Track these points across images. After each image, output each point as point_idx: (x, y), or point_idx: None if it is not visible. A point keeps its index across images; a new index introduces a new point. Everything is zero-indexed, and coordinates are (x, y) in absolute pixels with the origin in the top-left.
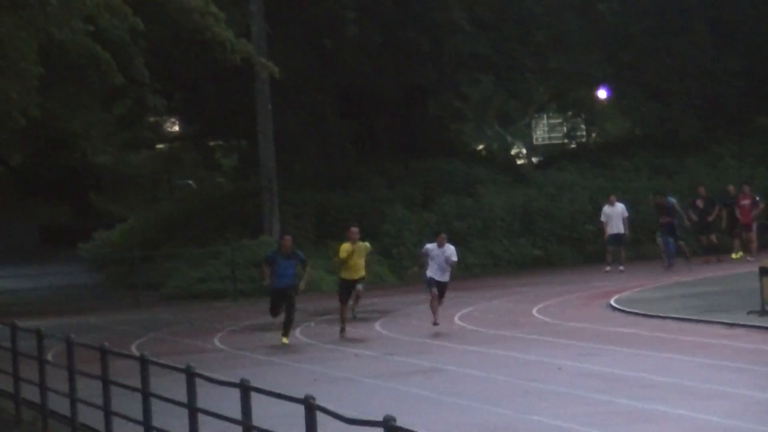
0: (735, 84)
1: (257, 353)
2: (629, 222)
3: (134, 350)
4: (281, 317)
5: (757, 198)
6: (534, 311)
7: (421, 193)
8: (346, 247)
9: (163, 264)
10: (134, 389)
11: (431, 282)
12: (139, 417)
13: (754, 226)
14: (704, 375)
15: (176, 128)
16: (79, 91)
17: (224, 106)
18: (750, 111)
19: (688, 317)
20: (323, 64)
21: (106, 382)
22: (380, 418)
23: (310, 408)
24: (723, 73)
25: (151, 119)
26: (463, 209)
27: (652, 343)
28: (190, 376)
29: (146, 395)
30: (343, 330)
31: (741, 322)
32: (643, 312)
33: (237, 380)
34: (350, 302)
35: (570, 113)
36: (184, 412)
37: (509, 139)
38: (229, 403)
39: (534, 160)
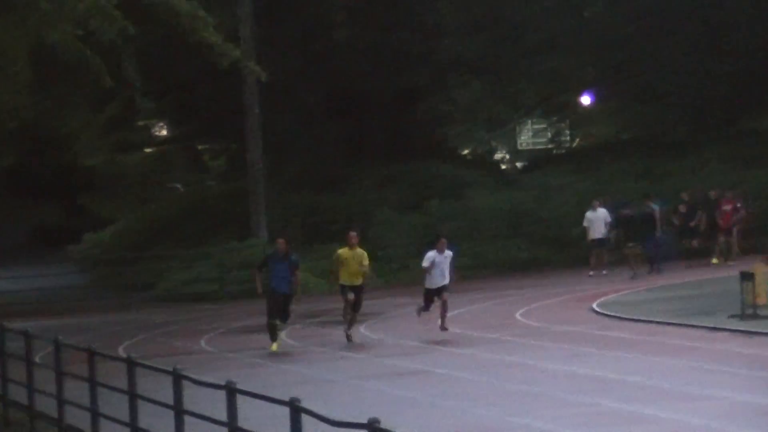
0: (721, 87)
1: (245, 355)
2: (612, 227)
3: (122, 352)
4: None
5: (739, 204)
6: (519, 314)
7: (409, 196)
8: (343, 251)
9: (152, 266)
10: (121, 391)
11: (431, 293)
12: (126, 418)
13: (735, 231)
14: (687, 378)
15: (165, 131)
16: (69, 94)
17: (213, 109)
18: (736, 114)
19: (670, 321)
20: (313, 66)
21: (94, 384)
22: (366, 420)
23: (296, 410)
24: (709, 77)
25: (141, 122)
26: (450, 212)
27: (636, 346)
28: (177, 378)
29: (133, 397)
30: (349, 338)
31: (723, 326)
32: (626, 315)
33: (224, 382)
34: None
35: (555, 118)
36: (171, 413)
37: (494, 143)
38: (216, 404)
39: (518, 164)
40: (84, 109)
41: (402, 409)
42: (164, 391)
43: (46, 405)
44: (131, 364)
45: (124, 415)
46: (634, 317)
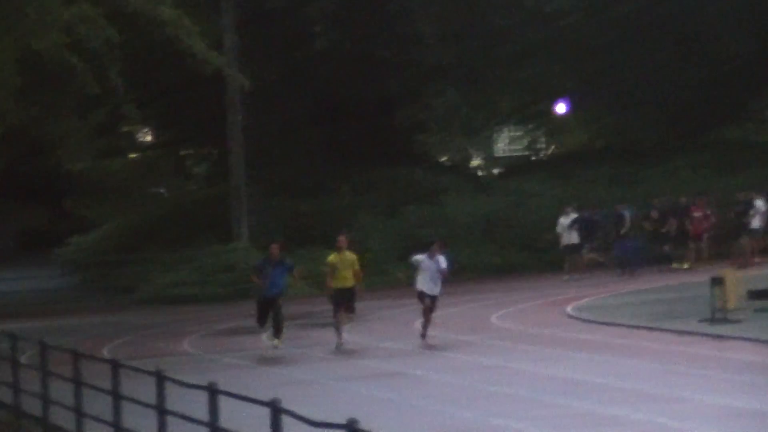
0: (692, 97)
1: (227, 356)
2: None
3: (106, 353)
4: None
5: (709, 212)
6: (495, 317)
7: (387, 202)
8: (332, 257)
9: (136, 269)
10: (106, 391)
11: (422, 295)
12: (111, 418)
13: (705, 237)
14: (659, 380)
15: (150, 137)
16: (56, 100)
17: (196, 116)
18: (707, 124)
19: (642, 324)
20: (294, 75)
21: (79, 385)
22: (344, 421)
23: (276, 411)
24: (681, 87)
25: (126, 128)
26: (427, 217)
27: (609, 349)
28: (160, 378)
29: (117, 397)
30: (340, 344)
31: (693, 330)
32: (600, 319)
33: (206, 383)
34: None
35: (531, 125)
36: (154, 413)
37: (470, 150)
38: (198, 405)
39: (495, 171)
40: (70, 115)
41: (381, 410)
42: (148, 391)
43: (32, 405)
44: (115, 366)
45: (108, 415)
46: (608, 321)
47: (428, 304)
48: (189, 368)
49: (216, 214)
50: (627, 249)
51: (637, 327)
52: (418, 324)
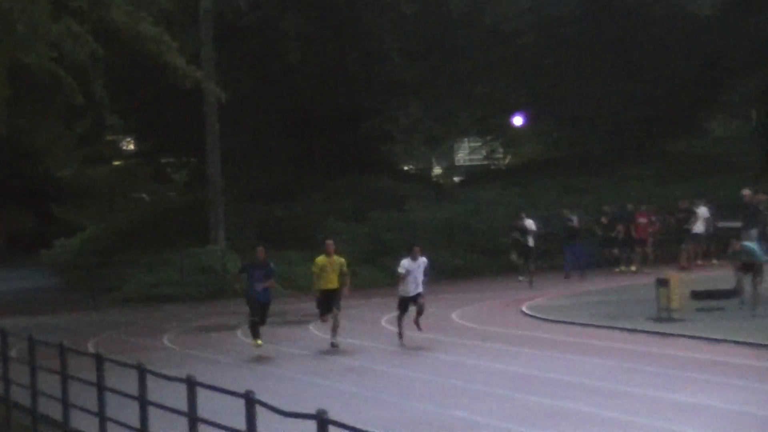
0: (637, 113)
1: (204, 352)
2: (538, 236)
3: (91, 348)
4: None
5: (653, 218)
6: (454, 316)
7: (354, 207)
8: (320, 260)
9: (119, 270)
10: (91, 383)
11: (404, 301)
12: (96, 409)
13: (650, 242)
14: (607, 375)
15: (132, 146)
16: (43, 110)
17: (176, 126)
18: (650, 137)
19: (592, 323)
20: (267, 88)
21: (65, 377)
22: (314, 412)
23: (250, 402)
24: (627, 103)
25: (109, 137)
26: (392, 222)
27: (561, 346)
28: (142, 372)
29: (101, 389)
30: (334, 345)
31: (640, 328)
32: (553, 318)
33: (184, 376)
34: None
35: (489, 137)
36: (137, 404)
37: (433, 159)
38: (177, 397)
39: (456, 179)
40: (56, 125)
41: (346, 402)
42: (130, 384)
43: (22, 396)
44: (100, 359)
45: (94, 405)
46: (560, 319)
47: (418, 303)
48: (168, 362)
49: (194, 218)
50: (577, 253)
51: (588, 325)
52: (384, 323)
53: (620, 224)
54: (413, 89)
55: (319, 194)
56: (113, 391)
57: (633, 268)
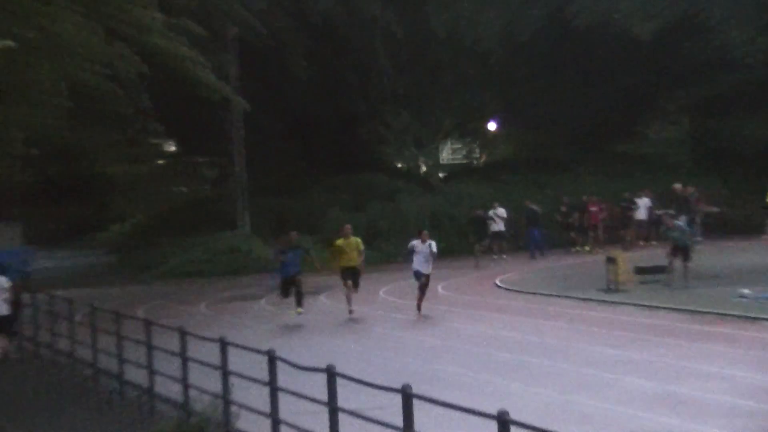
0: (593, 119)
1: (233, 317)
2: (508, 222)
3: (140, 314)
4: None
5: (603, 207)
6: (439, 288)
7: (353, 199)
8: (339, 242)
9: (161, 250)
10: (141, 343)
11: (418, 274)
12: (145, 363)
13: (600, 227)
14: (564, 336)
15: (172, 148)
16: (98, 119)
17: (207, 131)
18: (603, 140)
19: (553, 293)
20: (280, 98)
21: (120, 338)
22: (324, 366)
23: (272, 359)
24: (584, 111)
25: (153, 141)
26: (385, 212)
27: (526, 312)
28: (182, 333)
29: (149, 347)
30: (350, 311)
31: (592, 297)
32: (521, 289)
33: (217, 337)
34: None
35: (468, 140)
36: (179, 360)
37: (420, 158)
38: (212, 354)
39: (440, 175)
40: (109, 131)
41: (351, 358)
42: (172, 343)
43: (85, 353)
44: (148, 323)
45: (143, 361)
46: (526, 290)
47: (423, 282)
48: (204, 326)
49: (222, 208)
50: (536, 236)
51: (549, 295)
52: (382, 294)
53: (576, 212)
54: (403, 99)
55: (323, 188)
56: (159, 349)
57: (587, 248)
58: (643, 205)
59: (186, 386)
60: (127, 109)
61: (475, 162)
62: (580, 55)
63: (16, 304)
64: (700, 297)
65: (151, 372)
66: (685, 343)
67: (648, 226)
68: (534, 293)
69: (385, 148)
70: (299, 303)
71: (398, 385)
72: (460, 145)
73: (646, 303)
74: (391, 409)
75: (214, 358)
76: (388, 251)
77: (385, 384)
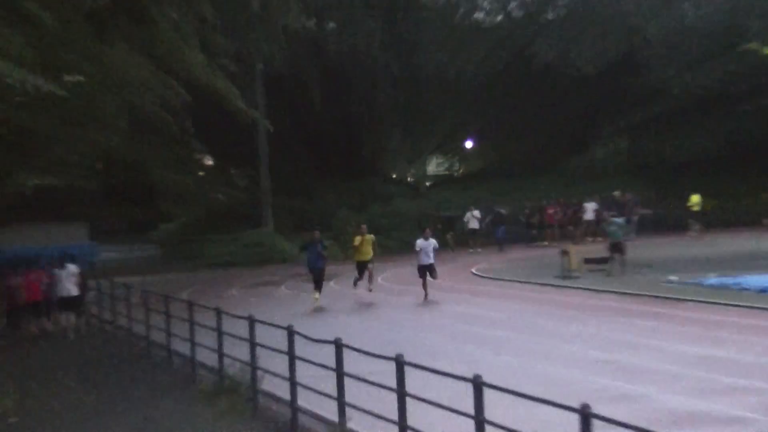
0: (551, 135)
1: (259, 299)
2: (482, 221)
3: (185, 296)
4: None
5: (557, 209)
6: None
7: (357, 202)
8: (357, 239)
9: (201, 244)
10: (185, 320)
11: (422, 269)
12: (187, 336)
13: (556, 225)
14: (526, 314)
15: (210, 162)
16: (152, 138)
17: (238, 148)
18: (559, 153)
19: (517, 279)
20: (298, 121)
21: (168, 316)
22: (332, 339)
23: (290, 333)
24: (543, 131)
25: (196, 155)
26: (383, 212)
27: (495, 295)
28: (218, 312)
29: (192, 323)
30: (358, 284)
31: (549, 283)
32: (492, 276)
33: (247, 315)
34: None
35: (449, 155)
36: (215, 334)
37: (411, 170)
38: (242, 329)
39: (427, 183)
40: (160, 147)
41: (353, 332)
42: (211, 320)
43: (139, 329)
44: (190, 304)
45: (187, 335)
46: (496, 277)
47: (428, 271)
48: (235, 306)
49: (251, 210)
50: (499, 234)
51: (514, 281)
52: (380, 280)
53: (536, 214)
54: (398, 122)
55: (333, 192)
56: (200, 325)
57: (545, 243)
58: (590, 208)
59: (221, 355)
60: (174, 130)
61: (455, 173)
62: (540, 86)
63: (82, 287)
64: (636, 282)
65: (193, 343)
66: (624, 320)
67: (594, 225)
68: (503, 279)
69: (383, 162)
70: (317, 289)
71: (393, 355)
72: (442, 160)
73: (592, 287)
74: (388, 374)
75: (244, 332)
76: (386, 245)
77: (383, 353)
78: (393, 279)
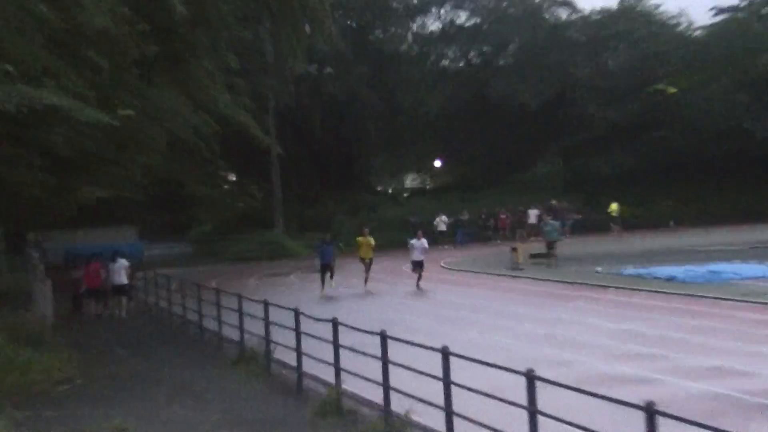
0: (504, 155)
1: (272, 287)
2: (449, 225)
3: (213, 285)
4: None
5: (508, 214)
6: (404, 268)
7: (351, 209)
8: (360, 240)
9: (226, 242)
10: (213, 303)
11: (415, 264)
12: (215, 316)
13: (507, 228)
14: (483, 298)
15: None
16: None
17: (255, 166)
18: (511, 169)
19: (476, 270)
20: (302, 144)
21: (200, 300)
22: (330, 317)
23: (297, 314)
24: (496, 152)
25: (221, 172)
26: (371, 218)
27: (458, 284)
28: (239, 297)
29: (218, 306)
30: (365, 281)
31: (502, 273)
32: (457, 268)
33: (263, 300)
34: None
35: (422, 172)
36: (236, 315)
37: (393, 184)
38: (259, 311)
39: (405, 195)
40: (193, 166)
41: (348, 314)
42: (234, 303)
43: (177, 310)
44: (217, 290)
45: (215, 315)
46: (460, 269)
47: (419, 267)
48: (254, 292)
49: (265, 215)
50: (462, 234)
51: (474, 272)
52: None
53: (491, 219)
54: (382, 146)
55: (332, 202)
56: (224, 307)
57: (498, 242)
58: (533, 214)
59: (242, 331)
60: (205, 153)
61: (427, 186)
62: (494, 118)
63: (131, 277)
64: (570, 272)
65: (220, 322)
66: (561, 303)
67: (537, 227)
68: (465, 270)
69: (370, 177)
70: (331, 277)
71: (378, 330)
72: (416, 176)
73: (536, 276)
74: (374, 347)
75: (260, 313)
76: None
77: (370, 329)
78: (381, 273)
